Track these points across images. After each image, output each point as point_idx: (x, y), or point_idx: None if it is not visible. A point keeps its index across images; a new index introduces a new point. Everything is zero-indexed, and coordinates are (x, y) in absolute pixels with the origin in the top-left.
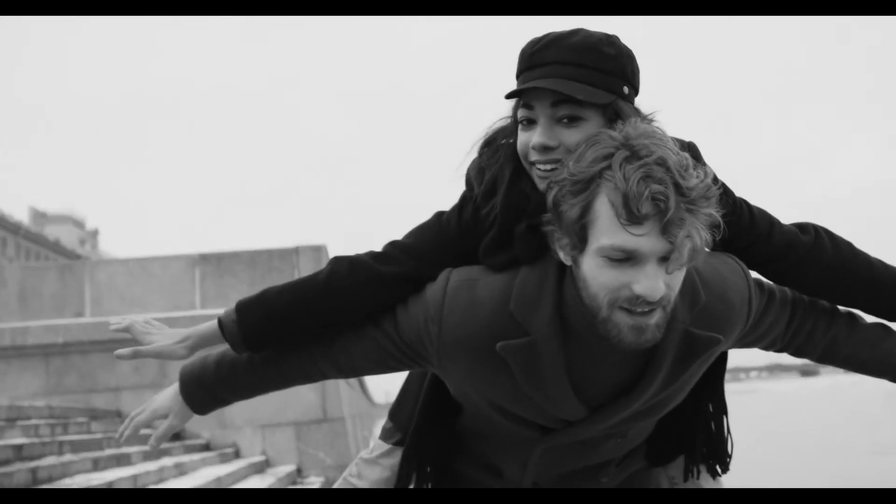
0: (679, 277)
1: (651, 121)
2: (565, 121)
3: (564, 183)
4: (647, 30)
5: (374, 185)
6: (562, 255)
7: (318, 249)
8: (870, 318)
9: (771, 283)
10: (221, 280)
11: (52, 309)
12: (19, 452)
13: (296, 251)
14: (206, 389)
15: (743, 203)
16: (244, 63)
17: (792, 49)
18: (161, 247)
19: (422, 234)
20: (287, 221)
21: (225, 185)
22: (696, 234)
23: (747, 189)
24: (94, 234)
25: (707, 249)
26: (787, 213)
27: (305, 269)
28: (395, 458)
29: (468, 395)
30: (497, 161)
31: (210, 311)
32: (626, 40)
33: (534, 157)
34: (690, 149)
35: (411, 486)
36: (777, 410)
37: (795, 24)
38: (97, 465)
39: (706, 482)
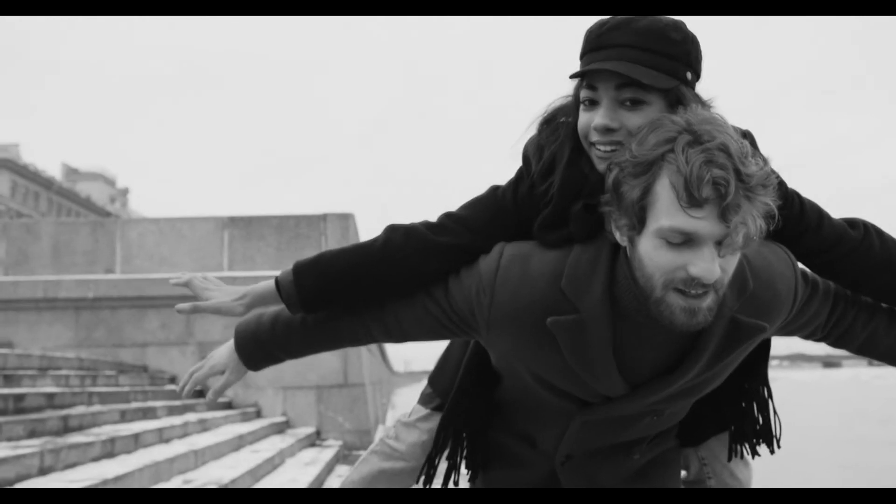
0: (733, 262)
1: (710, 107)
2: (628, 103)
3: (626, 164)
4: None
5: (402, 158)
6: (618, 236)
7: (346, 217)
8: None
9: (815, 274)
10: (249, 243)
11: (84, 264)
12: (51, 400)
13: (323, 218)
14: (261, 347)
15: (794, 194)
16: (283, 37)
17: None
18: (189, 209)
19: (477, 207)
20: (315, 190)
21: (256, 153)
22: (752, 221)
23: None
24: (125, 192)
25: (759, 238)
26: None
27: (332, 236)
28: (433, 423)
29: (512, 365)
30: (556, 139)
31: (237, 273)
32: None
33: (594, 137)
34: (747, 137)
35: (447, 452)
36: (797, 399)
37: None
38: (124, 417)
39: (736, 466)
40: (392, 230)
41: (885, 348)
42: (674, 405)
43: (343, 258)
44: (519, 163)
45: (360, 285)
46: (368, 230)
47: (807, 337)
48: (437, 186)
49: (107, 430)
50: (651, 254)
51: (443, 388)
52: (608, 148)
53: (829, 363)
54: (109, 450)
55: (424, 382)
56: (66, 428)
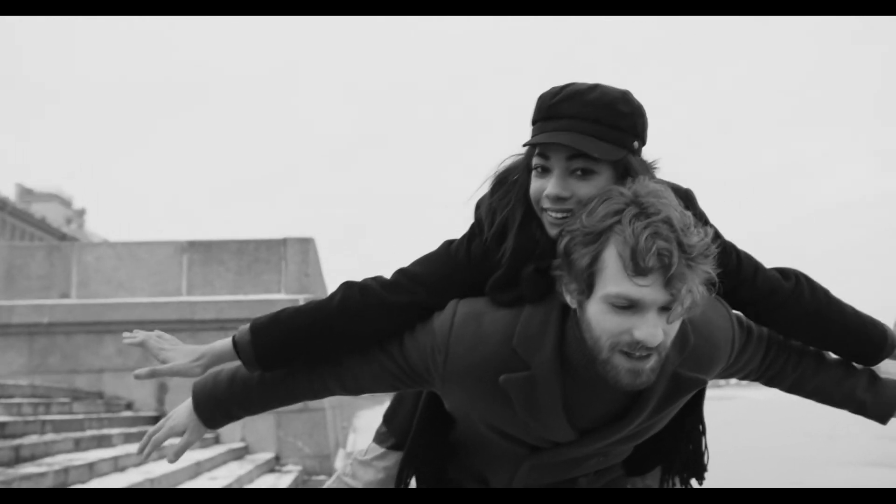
0: (676, 326)
1: (655, 168)
2: (579, 173)
3: (577, 233)
4: (656, 30)
5: (369, 177)
6: (568, 299)
7: (306, 241)
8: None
9: (750, 321)
10: (208, 268)
11: (38, 289)
12: (2, 430)
13: (283, 242)
14: (219, 406)
15: (732, 248)
16: (243, 53)
17: (797, 58)
18: (148, 231)
19: (430, 264)
20: (279, 213)
21: (217, 175)
22: (695, 289)
23: (748, 196)
24: (81, 213)
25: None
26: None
27: (293, 260)
28: (389, 461)
29: (466, 413)
30: (508, 203)
31: (196, 297)
32: (630, 42)
33: (546, 204)
34: (687, 195)
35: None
36: (753, 419)
37: (803, 25)
38: (79, 446)
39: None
40: (347, 288)
41: (813, 388)
42: (619, 448)
43: (300, 317)
44: (471, 218)
45: (316, 344)
46: (330, 253)
47: (741, 378)
48: (406, 201)
49: (60, 460)
50: (599, 318)
51: (398, 428)
52: (560, 215)
53: None
54: (63, 480)
55: (387, 404)
56: (17, 458)
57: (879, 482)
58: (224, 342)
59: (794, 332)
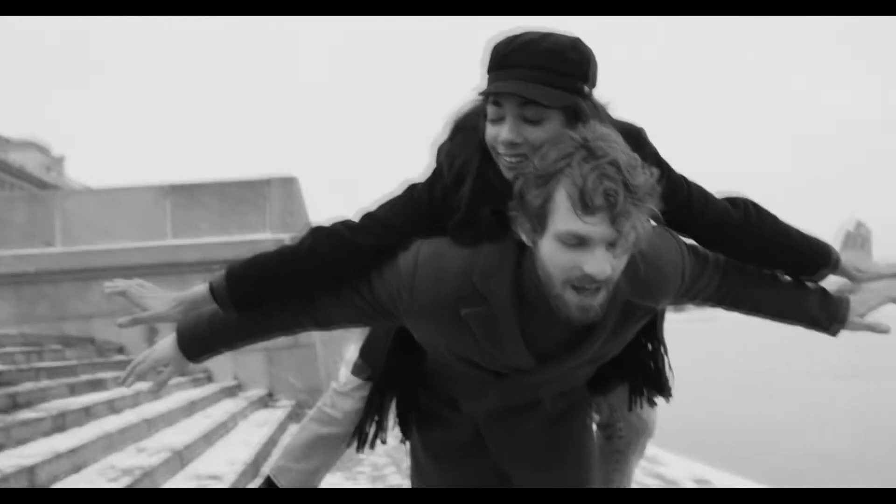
0: (623, 261)
1: (606, 109)
2: (531, 119)
3: (530, 176)
4: None
5: (356, 122)
6: (524, 237)
7: (290, 181)
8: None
9: (705, 250)
10: (192, 211)
11: (22, 238)
12: None
13: (267, 183)
14: (200, 342)
15: (682, 180)
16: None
17: None
18: (129, 176)
19: (395, 207)
20: (266, 161)
21: (202, 123)
22: (640, 225)
23: (739, 129)
24: (60, 160)
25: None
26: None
27: (277, 200)
28: (366, 391)
29: (434, 345)
30: (466, 149)
31: (181, 240)
32: None
33: (501, 149)
34: (639, 134)
35: (377, 417)
36: (738, 337)
37: None
38: (73, 391)
39: (646, 411)
40: (315, 232)
41: (769, 309)
42: (579, 371)
43: (271, 262)
44: (433, 163)
45: (288, 286)
46: (314, 193)
47: (700, 304)
48: (385, 142)
49: (56, 405)
50: (551, 254)
51: (373, 360)
52: (514, 160)
53: None
54: (60, 424)
55: None
56: (14, 405)
57: (847, 393)
58: (201, 288)
59: (745, 256)
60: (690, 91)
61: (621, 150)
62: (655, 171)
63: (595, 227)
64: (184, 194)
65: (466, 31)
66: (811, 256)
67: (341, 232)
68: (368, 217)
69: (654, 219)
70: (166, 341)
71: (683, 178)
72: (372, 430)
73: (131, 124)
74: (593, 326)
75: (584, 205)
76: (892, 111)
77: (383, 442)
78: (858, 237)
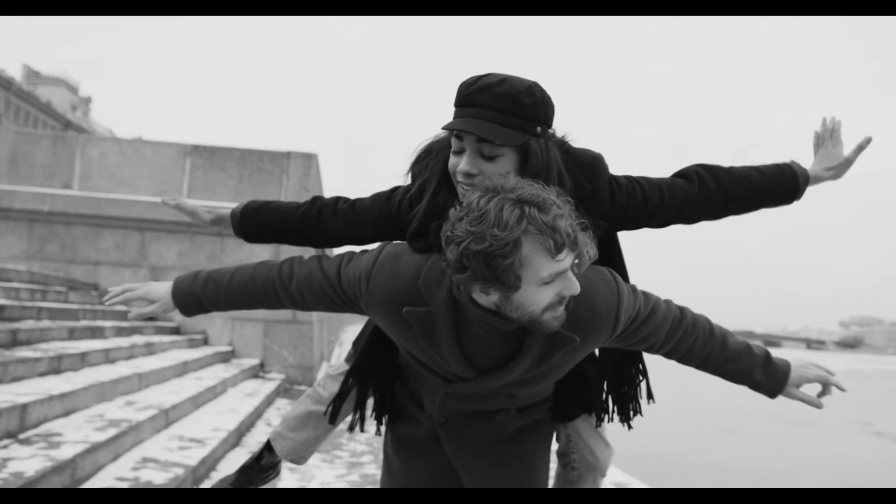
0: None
1: (566, 140)
2: (486, 155)
3: (487, 253)
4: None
5: (376, 95)
6: (484, 298)
7: (309, 157)
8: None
9: (658, 298)
10: (210, 173)
11: (41, 177)
12: (1, 312)
13: (287, 156)
14: (193, 297)
15: (635, 183)
16: None
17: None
18: (150, 127)
19: (374, 202)
20: (285, 123)
21: (226, 83)
22: (589, 245)
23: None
24: (87, 101)
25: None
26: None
27: (294, 174)
28: None
29: (395, 340)
30: (429, 171)
31: (196, 201)
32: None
33: (459, 178)
34: (594, 160)
35: (354, 402)
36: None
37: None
38: (72, 335)
39: (597, 445)
40: (312, 204)
41: (715, 368)
42: (521, 390)
43: (278, 212)
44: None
45: (283, 233)
46: (331, 170)
47: (648, 351)
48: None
49: (54, 347)
50: (532, 297)
51: (357, 349)
52: (469, 188)
53: (769, 342)
54: (56, 366)
55: None
56: (14, 341)
57: (790, 438)
58: (226, 210)
59: (717, 214)
60: (720, 124)
61: (540, 189)
62: (607, 186)
63: (566, 259)
64: (204, 155)
65: (481, 28)
66: (779, 185)
67: (328, 211)
68: (353, 206)
69: (593, 237)
70: (162, 284)
71: (633, 181)
72: (348, 414)
73: (158, 68)
74: (521, 348)
75: (557, 248)
76: None
77: (361, 430)
78: (827, 132)
